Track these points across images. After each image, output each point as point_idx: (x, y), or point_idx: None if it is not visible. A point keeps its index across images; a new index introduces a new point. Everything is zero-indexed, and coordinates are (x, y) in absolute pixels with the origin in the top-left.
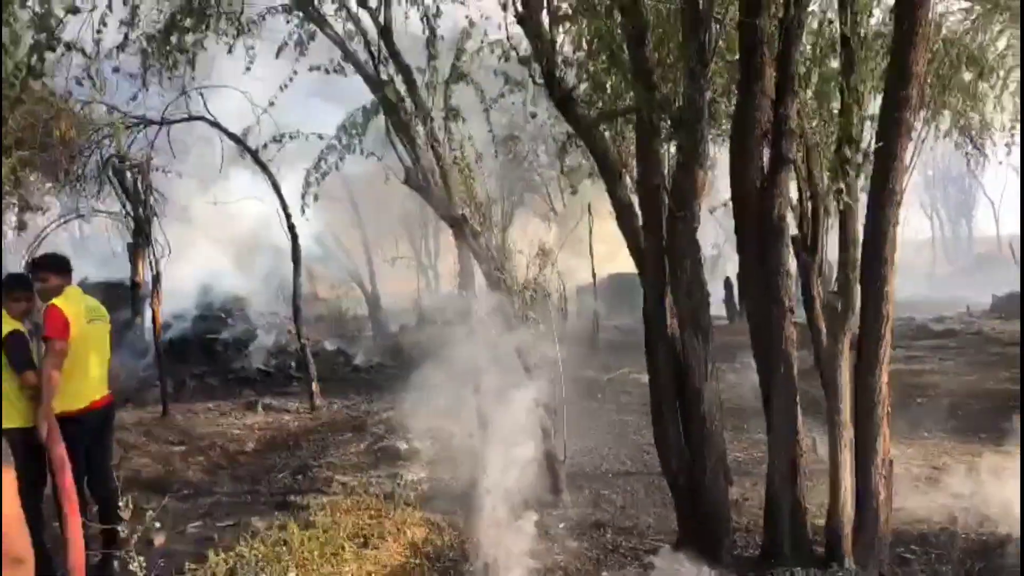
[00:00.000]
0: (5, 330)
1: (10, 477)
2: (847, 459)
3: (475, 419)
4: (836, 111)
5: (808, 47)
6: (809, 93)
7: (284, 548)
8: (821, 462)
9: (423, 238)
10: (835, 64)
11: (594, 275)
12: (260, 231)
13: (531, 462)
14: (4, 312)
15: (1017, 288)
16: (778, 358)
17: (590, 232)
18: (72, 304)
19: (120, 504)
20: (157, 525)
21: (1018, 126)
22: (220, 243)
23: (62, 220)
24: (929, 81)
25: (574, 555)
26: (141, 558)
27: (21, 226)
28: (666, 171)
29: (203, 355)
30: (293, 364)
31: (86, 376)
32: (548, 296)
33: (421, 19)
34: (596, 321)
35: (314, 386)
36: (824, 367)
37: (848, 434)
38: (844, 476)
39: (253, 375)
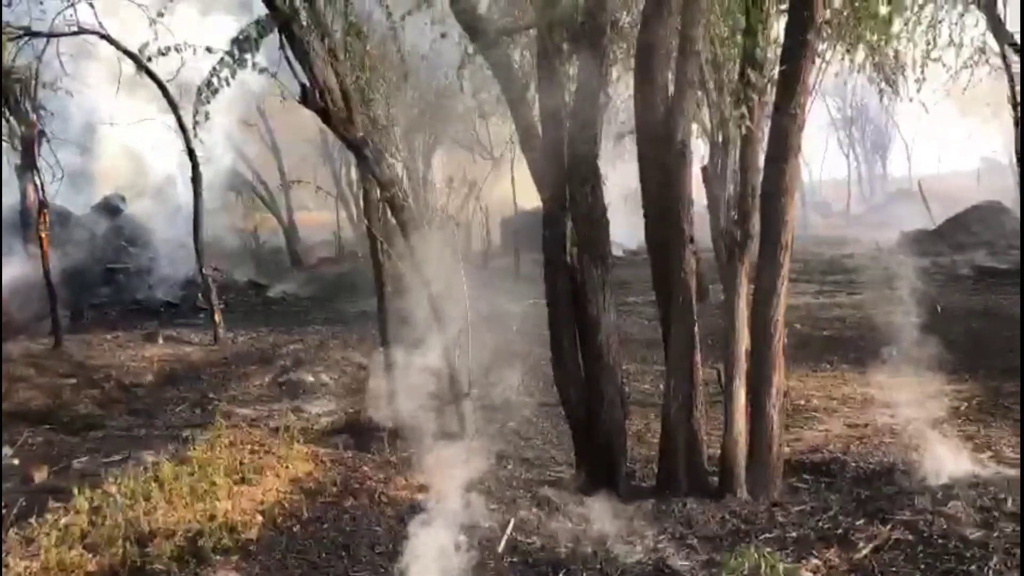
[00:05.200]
0: None
1: None
2: (741, 390)
3: (381, 352)
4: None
5: None
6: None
7: (155, 485)
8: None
9: (343, 165)
10: None
11: (515, 206)
12: (166, 155)
13: (434, 394)
14: None
15: (924, 225)
16: (677, 288)
17: (511, 164)
18: None
19: None
20: (15, 462)
21: (926, 64)
22: (122, 167)
23: None
24: (845, 13)
25: None
26: None
27: None
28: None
29: (104, 284)
30: (200, 295)
31: None
32: (459, 226)
33: None
34: (517, 253)
35: (217, 317)
36: (724, 297)
37: (744, 365)
38: (738, 407)
39: (157, 306)
